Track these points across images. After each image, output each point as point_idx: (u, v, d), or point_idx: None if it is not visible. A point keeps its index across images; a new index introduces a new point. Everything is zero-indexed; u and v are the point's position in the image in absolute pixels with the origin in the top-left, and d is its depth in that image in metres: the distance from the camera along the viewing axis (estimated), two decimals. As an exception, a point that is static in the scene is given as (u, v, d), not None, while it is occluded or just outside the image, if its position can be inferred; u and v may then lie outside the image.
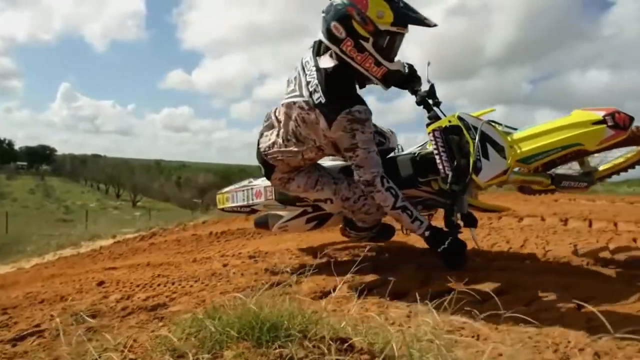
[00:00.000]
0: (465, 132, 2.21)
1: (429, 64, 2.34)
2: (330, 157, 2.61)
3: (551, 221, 3.85)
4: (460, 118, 2.24)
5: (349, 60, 2.11)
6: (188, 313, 1.43)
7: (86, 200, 47.60)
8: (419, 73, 2.41)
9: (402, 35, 2.14)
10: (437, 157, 2.25)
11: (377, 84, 2.23)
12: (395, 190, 2.16)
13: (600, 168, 2.60)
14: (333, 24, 2.09)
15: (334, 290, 2.26)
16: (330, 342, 0.99)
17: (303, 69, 2.21)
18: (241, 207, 3.01)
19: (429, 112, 2.31)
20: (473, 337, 1.56)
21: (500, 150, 2.23)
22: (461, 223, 2.37)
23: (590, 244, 2.99)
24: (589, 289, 2.08)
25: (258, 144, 2.44)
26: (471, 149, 2.18)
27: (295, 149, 2.24)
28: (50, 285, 3.39)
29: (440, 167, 2.24)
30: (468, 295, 2.00)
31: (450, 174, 2.21)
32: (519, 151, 2.27)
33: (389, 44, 2.12)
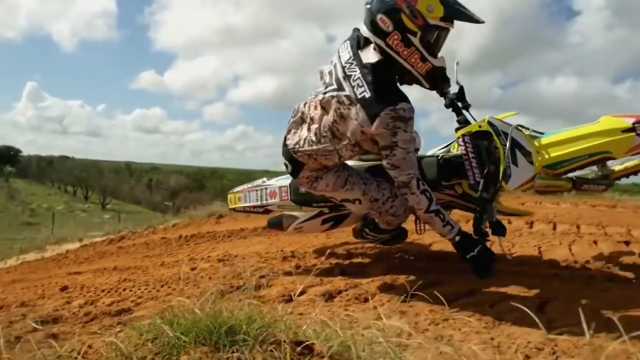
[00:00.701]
0: (495, 138, 2.17)
1: (457, 63, 2.28)
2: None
3: (517, 224, 3.92)
4: (490, 123, 2.20)
5: (393, 54, 2.05)
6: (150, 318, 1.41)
7: (53, 203, 46.33)
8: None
9: (448, 31, 2.08)
10: (466, 163, 2.20)
11: (418, 81, 2.15)
12: (430, 194, 2.10)
13: (616, 169, 2.58)
14: (380, 16, 2.02)
15: (302, 293, 2.27)
16: (289, 345, 0.99)
17: (341, 61, 2.13)
18: (254, 207, 2.94)
19: (458, 115, 2.25)
20: (436, 338, 1.58)
21: (528, 156, 2.21)
22: (489, 231, 2.30)
23: (554, 246, 3.07)
24: (550, 290, 2.14)
25: (285, 140, 2.33)
26: (501, 156, 2.14)
27: (330, 146, 2.15)
28: (11, 290, 3.29)
29: (470, 173, 2.20)
30: (434, 298, 2.03)
31: (480, 181, 2.17)
32: (547, 157, 2.25)
33: (435, 39, 2.06)
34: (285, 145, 2.32)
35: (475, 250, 2.13)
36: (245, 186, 3.02)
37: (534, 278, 2.35)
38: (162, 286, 2.67)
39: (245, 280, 2.52)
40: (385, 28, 2.02)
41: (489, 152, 2.17)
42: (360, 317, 1.80)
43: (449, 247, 2.99)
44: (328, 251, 2.94)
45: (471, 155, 2.19)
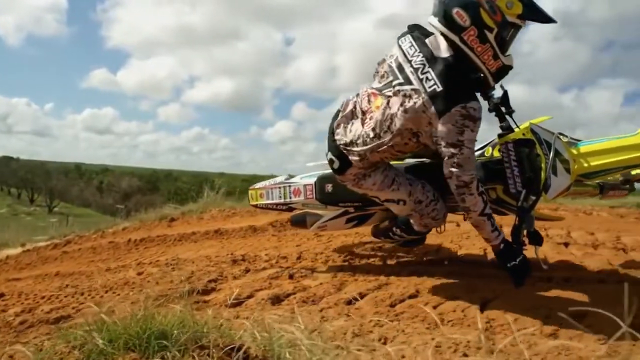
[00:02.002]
0: (538, 146, 2.15)
1: None
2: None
3: (465, 227, 4.02)
4: (533, 131, 2.18)
5: (467, 50, 1.98)
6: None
7: (-5, 206, 44.04)
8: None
9: (520, 29, 2.05)
10: (507, 170, 2.16)
11: (484, 79, 2.09)
12: (486, 196, 2.06)
13: (633, 172, 2.60)
14: (456, 10, 1.96)
15: (250, 297, 2.25)
16: (219, 349, 0.98)
17: (405, 55, 2.06)
18: (277, 204, 2.89)
19: (501, 121, 2.20)
20: (380, 340, 1.60)
21: (565, 164, 2.20)
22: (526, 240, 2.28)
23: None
24: (493, 290, 2.21)
25: (333, 135, 2.26)
26: (543, 165, 2.13)
27: (388, 141, 2.08)
28: (-58, 298, 3.10)
29: (511, 182, 2.16)
30: (380, 300, 2.06)
31: (522, 191, 2.13)
32: (585, 165, 2.26)
33: (510, 37, 2.03)
34: (333, 140, 2.25)
35: (517, 260, 2.10)
36: (267, 183, 2.97)
37: (478, 279, 2.42)
38: (106, 292, 2.59)
39: (193, 285, 2.48)
40: (462, 23, 1.96)
41: (530, 161, 2.15)
42: (307, 320, 1.80)
43: (399, 250, 3.05)
44: (283, 255, 2.93)
45: (513, 163, 2.15)
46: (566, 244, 3.31)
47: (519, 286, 2.11)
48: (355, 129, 2.17)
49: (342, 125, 2.24)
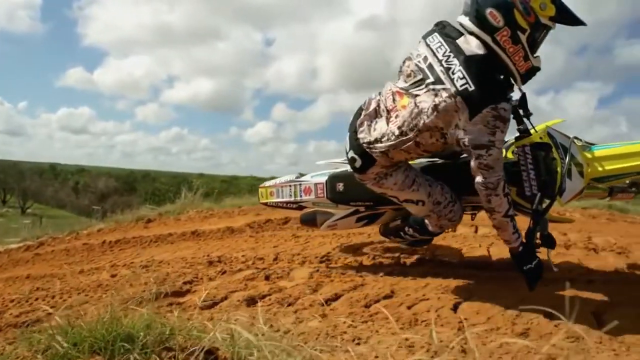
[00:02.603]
0: (554, 150, 2.16)
1: None
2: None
3: (441, 227, 4.08)
4: (550, 135, 2.19)
5: (499, 50, 1.98)
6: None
7: (-35, 207, 42.86)
8: None
9: (550, 30, 2.04)
10: (523, 174, 2.17)
11: (513, 78, 2.08)
12: (510, 198, 2.04)
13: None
14: (490, 10, 1.94)
15: (225, 298, 2.23)
16: (189, 352, 0.97)
17: (434, 54, 2.04)
18: (287, 202, 2.87)
19: (519, 124, 2.20)
20: (354, 340, 1.60)
21: (579, 168, 2.22)
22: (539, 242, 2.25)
23: (474, 248, 3.22)
24: (467, 291, 2.24)
25: (356, 134, 2.23)
26: (559, 169, 2.15)
27: (414, 139, 2.06)
28: None
29: (527, 185, 2.16)
30: (355, 301, 2.07)
31: (537, 194, 2.13)
32: (600, 169, 2.27)
33: (541, 38, 2.02)
34: (356, 139, 2.22)
35: (533, 263, 2.10)
36: (277, 181, 2.94)
37: (453, 279, 2.45)
38: (78, 294, 2.55)
39: (168, 287, 2.46)
40: (496, 23, 1.95)
41: (546, 164, 2.16)
42: (281, 321, 1.80)
43: (375, 251, 3.07)
44: (258, 256, 2.91)
45: (530, 166, 2.16)
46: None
47: (532, 289, 2.10)
48: (380, 127, 2.16)
49: (365, 123, 2.22)
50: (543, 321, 1.90)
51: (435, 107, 1.96)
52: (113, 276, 2.92)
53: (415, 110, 2.02)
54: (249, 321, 1.79)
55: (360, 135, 2.20)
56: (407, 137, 2.05)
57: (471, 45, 2.00)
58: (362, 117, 2.23)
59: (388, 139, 2.10)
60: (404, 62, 2.19)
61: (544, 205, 2.15)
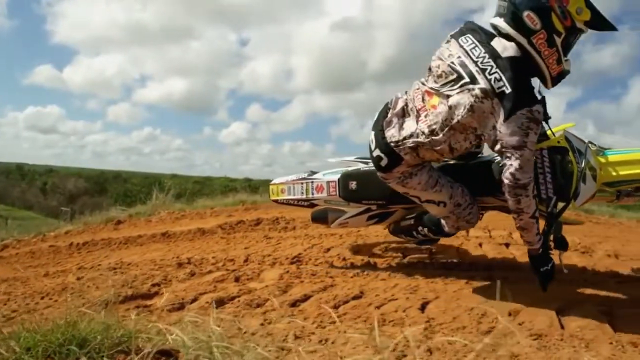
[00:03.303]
0: (571, 155, 2.17)
1: None
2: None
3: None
4: (567, 139, 2.19)
5: (534, 53, 1.98)
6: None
7: None
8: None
9: (582, 35, 2.05)
10: (540, 176, 2.16)
11: (543, 81, 2.09)
12: (536, 199, 2.06)
13: None
14: (527, 13, 1.94)
15: (194, 300, 2.21)
16: (148, 355, 0.95)
17: (469, 55, 2.02)
18: (298, 200, 2.86)
19: None
20: (321, 341, 1.60)
21: (593, 172, 2.24)
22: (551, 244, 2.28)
23: (444, 248, 3.26)
24: (434, 291, 2.27)
25: (382, 133, 2.21)
26: (575, 173, 2.15)
27: (445, 139, 2.05)
28: None
29: (543, 188, 2.15)
30: (324, 302, 2.08)
31: (553, 197, 2.14)
32: (614, 174, 2.29)
33: (574, 42, 2.04)
34: (383, 137, 2.20)
35: (549, 265, 2.12)
36: (287, 178, 2.93)
37: (421, 279, 2.48)
38: (42, 298, 2.48)
39: (135, 289, 2.42)
40: (533, 26, 1.95)
41: (562, 168, 2.17)
42: (248, 323, 1.79)
43: (344, 252, 3.08)
44: (229, 258, 2.89)
45: (546, 169, 2.16)
46: (507, 245, 3.44)
47: (545, 290, 2.13)
48: (409, 126, 2.15)
49: (393, 122, 2.20)
50: (507, 320, 1.94)
51: (471, 108, 1.96)
52: (79, 279, 2.85)
53: (448, 110, 2.03)
54: (215, 323, 1.78)
55: (387, 134, 2.19)
56: (438, 136, 2.06)
57: (506, 47, 2.00)
58: (389, 115, 2.22)
59: (418, 138, 2.10)
60: (433, 60, 2.18)
61: (559, 208, 2.17)
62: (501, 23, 2.01)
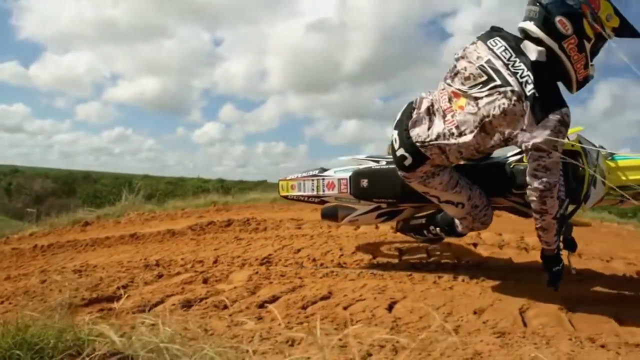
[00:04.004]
0: (583, 158, 2.21)
1: None
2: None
3: (383, 229, 4.14)
4: (580, 143, 2.23)
5: (564, 57, 2.01)
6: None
7: None
8: None
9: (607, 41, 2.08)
10: None
11: (569, 85, 2.10)
12: (560, 201, 2.08)
13: None
14: (559, 18, 1.97)
15: (160, 303, 2.18)
16: (103, 358, 0.94)
17: (500, 58, 2.04)
18: (309, 196, 2.88)
19: None
20: (287, 342, 1.60)
21: (603, 176, 2.31)
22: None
23: (413, 248, 3.30)
24: (402, 290, 2.29)
25: (407, 133, 2.23)
26: (586, 176, 2.20)
27: (473, 139, 2.08)
28: None
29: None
30: (292, 303, 2.07)
31: (566, 200, 2.17)
32: (623, 178, 2.35)
33: (601, 47, 2.07)
34: (408, 137, 2.22)
35: (560, 265, 2.17)
36: (298, 174, 2.93)
37: (390, 279, 2.50)
38: (1, 302, 2.40)
39: (100, 292, 2.37)
40: (564, 31, 1.98)
41: (574, 171, 2.22)
42: (215, 324, 1.78)
43: (314, 253, 3.09)
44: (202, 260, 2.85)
45: (560, 172, 2.17)
46: (475, 244, 3.50)
47: (557, 289, 2.18)
48: (435, 126, 2.17)
49: (418, 122, 2.23)
50: (472, 318, 1.98)
51: (502, 110, 1.99)
52: (42, 282, 2.78)
53: (477, 111, 2.05)
54: (181, 325, 1.76)
55: (412, 134, 2.21)
56: (466, 137, 2.09)
57: (535, 51, 2.03)
58: (414, 115, 2.24)
59: (445, 139, 2.13)
60: (457, 61, 2.20)
61: (569, 211, 2.23)
62: (532, 27, 2.03)
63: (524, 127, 1.96)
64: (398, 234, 4.03)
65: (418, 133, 2.20)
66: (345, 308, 2.02)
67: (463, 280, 2.53)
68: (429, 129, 2.19)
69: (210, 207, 6.00)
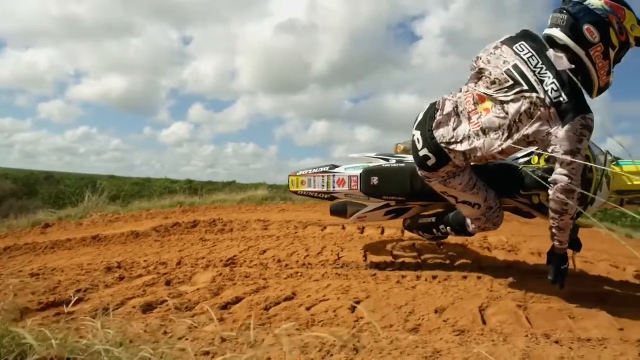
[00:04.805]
0: (592, 162, 2.25)
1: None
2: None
3: (350, 229, 4.17)
4: (589, 148, 2.27)
5: (590, 64, 2.08)
6: None
7: None
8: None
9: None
10: None
11: (590, 91, 2.16)
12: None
13: None
14: (587, 27, 2.04)
15: (121, 305, 2.13)
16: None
17: (527, 64, 2.09)
18: (319, 192, 2.95)
19: None
20: (249, 343, 1.59)
21: (608, 181, 2.37)
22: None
23: (379, 249, 3.32)
24: (366, 291, 2.31)
25: (431, 134, 2.28)
26: (594, 180, 2.26)
27: (498, 141, 2.13)
28: None
29: None
30: (255, 304, 2.06)
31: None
32: (629, 183, 2.42)
33: (623, 56, 2.15)
34: (432, 138, 2.27)
35: (567, 264, 2.24)
36: (309, 170, 2.99)
37: (354, 280, 2.52)
38: (-49, 308, 2.31)
39: (58, 296, 2.30)
40: (592, 39, 2.05)
41: (583, 175, 2.21)
42: (176, 327, 1.75)
43: (281, 254, 3.08)
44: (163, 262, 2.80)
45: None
46: (440, 244, 3.55)
47: (562, 287, 2.23)
48: (460, 128, 2.23)
49: (443, 124, 2.28)
50: (433, 317, 2.01)
51: (529, 114, 2.06)
52: (-3, 286, 2.68)
53: (504, 115, 2.12)
54: (142, 328, 1.73)
55: (437, 134, 2.27)
56: (491, 139, 2.15)
57: (562, 58, 2.09)
58: (438, 117, 2.29)
59: (470, 141, 2.19)
60: (477, 63, 2.27)
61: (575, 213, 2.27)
62: (560, 34, 2.10)
63: (550, 132, 2.03)
64: (365, 234, 4.08)
65: (442, 134, 2.27)
66: (308, 309, 2.02)
67: (426, 280, 2.57)
68: (454, 130, 2.25)
69: (177, 208, 5.91)
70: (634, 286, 2.72)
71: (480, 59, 2.26)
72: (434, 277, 2.61)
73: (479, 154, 2.20)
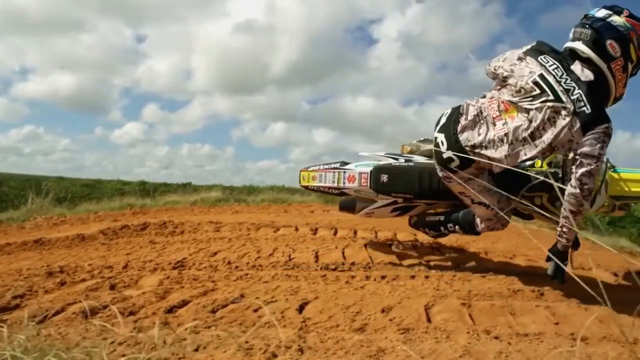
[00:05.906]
0: None
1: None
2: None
3: (303, 230, 4.17)
4: None
5: (610, 77, 2.22)
6: None
7: None
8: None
9: None
10: (567, 184, 2.28)
11: (606, 101, 2.28)
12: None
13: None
14: (610, 42, 2.19)
15: (61, 311, 2.06)
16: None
17: (553, 75, 2.22)
18: (329, 188, 3.08)
19: None
20: (193, 347, 1.57)
21: (606, 185, 2.51)
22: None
23: (330, 250, 3.34)
24: (314, 291, 2.32)
25: (456, 137, 2.41)
26: (596, 182, 2.33)
27: (520, 147, 2.27)
28: None
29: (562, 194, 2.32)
30: (201, 307, 2.03)
31: None
32: (626, 189, 2.55)
33: (638, 70, 2.31)
34: (457, 141, 2.40)
35: (567, 261, 2.36)
36: (319, 166, 3.12)
37: (304, 280, 2.52)
38: None
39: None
40: (614, 53, 2.20)
41: None
42: (118, 331, 1.70)
43: (231, 256, 3.05)
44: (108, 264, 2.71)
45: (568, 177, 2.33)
46: (390, 244, 3.61)
47: (562, 282, 2.36)
48: (485, 133, 2.36)
49: (467, 128, 2.41)
50: (380, 316, 2.04)
51: (553, 123, 2.20)
52: None
53: (528, 122, 2.26)
54: (81, 333, 1.67)
55: (461, 138, 2.41)
56: (514, 144, 2.28)
57: (584, 70, 2.23)
58: (463, 121, 2.42)
59: (495, 146, 2.33)
60: (504, 72, 2.38)
61: None
62: (583, 47, 2.25)
63: (572, 138, 2.17)
64: (317, 235, 4.10)
65: (467, 137, 2.40)
66: (255, 311, 2.00)
67: (375, 280, 2.60)
68: (479, 134, 2.38)
69: (127, 210, 5.74)
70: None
71: (502, 67, 2.40)
72: (383, 277, 2.65)
73: (501, 158, 2.32)
